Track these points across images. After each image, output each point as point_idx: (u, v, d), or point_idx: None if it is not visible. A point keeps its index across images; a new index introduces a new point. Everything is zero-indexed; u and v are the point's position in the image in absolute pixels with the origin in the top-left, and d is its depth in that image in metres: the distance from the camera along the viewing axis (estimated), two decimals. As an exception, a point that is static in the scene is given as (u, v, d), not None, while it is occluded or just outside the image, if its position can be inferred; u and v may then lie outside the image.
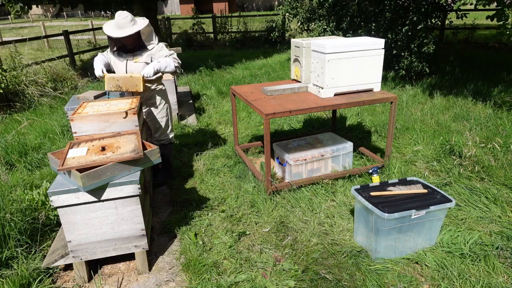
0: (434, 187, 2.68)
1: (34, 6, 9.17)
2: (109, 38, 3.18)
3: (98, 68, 3.16)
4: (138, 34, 3.16)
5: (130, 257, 2.61)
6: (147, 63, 3.28)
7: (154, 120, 3.55)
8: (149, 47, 3.29)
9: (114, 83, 3.14)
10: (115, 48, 3.31)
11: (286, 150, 3.66)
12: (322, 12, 7.94)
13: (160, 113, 3.54)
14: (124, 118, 2.91)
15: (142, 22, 3.19)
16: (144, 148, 2.56)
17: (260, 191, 3.36)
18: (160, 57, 3.30)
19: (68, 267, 2.57)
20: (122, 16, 3.09)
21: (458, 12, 7.37)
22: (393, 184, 2.76)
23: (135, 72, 3.25)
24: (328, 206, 3.22)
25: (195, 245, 2.76)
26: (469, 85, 6.43)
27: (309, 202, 3.23)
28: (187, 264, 2.57)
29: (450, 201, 2.50)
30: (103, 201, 2.30)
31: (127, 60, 3.28)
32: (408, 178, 2.84)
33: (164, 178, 3.72)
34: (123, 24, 3.08)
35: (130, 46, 3.25)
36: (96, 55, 3.35)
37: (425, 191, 2.62)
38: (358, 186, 2.71)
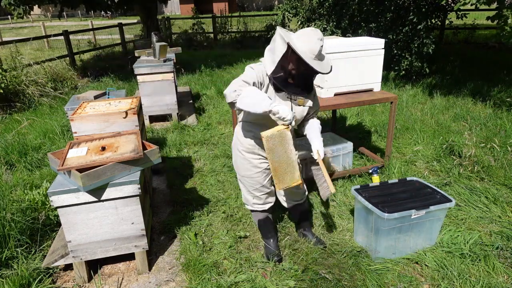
0: (434, 187, 2.68)
1: (34, 6, 9.17)
2: (295, 65, 2.10)
3: (288, 113, 2.00)
4: None
5: (130, 257, 2.60)
6: (310, 108, 2.38)
7: None
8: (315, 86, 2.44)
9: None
10: (283, 75, 2.14)
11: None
12: (322, 11, 7.94)
13: None
14: (124, 118, 2.92)
15: (329, 58, 2.23)
16: (144, 148, 2.56)
17: (260, 191, 3.35)
18: (316, 113, 2.45)
19: (68, 267, 2.57)
20: (322, 42, 2.08)
21: (458, 12, 7.36)
22: (393, 185, 2.76)
23: (298, 120, 2.34)
24: (328, 206, 3.22)
25: (195, 245, 2.76)
26: (469, 85, 6.43)
27: (309, 202, 3.23)
28: (187, 264, 2.57)
29: (450, 201, 2.50)
30: (103, 201, 2.30)
31: (291, 99, 2.26)
32: (408, 178, 2.84)
33: None
34: (321, 53, 2.12)
35: (306, 83, 2.24)
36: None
37: None
38: (358, 186, 2.71)
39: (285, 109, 1.96)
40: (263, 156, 2.39)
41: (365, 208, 2.52)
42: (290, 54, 2.05)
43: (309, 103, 2.32)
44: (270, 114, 1.97)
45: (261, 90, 2.18)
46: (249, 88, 2.03)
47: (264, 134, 2.07)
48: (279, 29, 2.11)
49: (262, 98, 1.95)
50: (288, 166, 2.16)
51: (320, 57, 2.10)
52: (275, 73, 2.12)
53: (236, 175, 3.81)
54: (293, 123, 2.02)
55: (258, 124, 2.29)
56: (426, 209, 2.43)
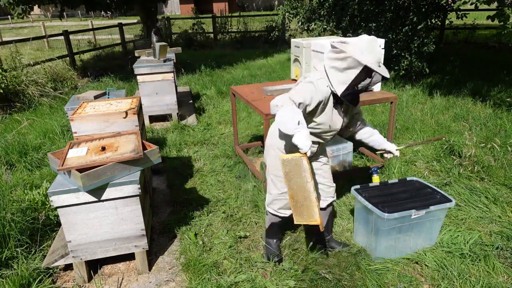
0: (434, 187, 2.68)
1: (34, 6, 9.18)
2: (366, 80, 2.11)
3: (304, 145, 1.93)
4: None
5: (130, 257, 2.60)
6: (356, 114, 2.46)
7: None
8: None
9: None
10: (350, 93, 2.15)
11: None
12: (322, 12, 7.94)
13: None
14: (124, 118, 2.92)
15: None
16: (144, 148, 2.56)
17: (260, 191, 3.36)
18: (360, 113, 2.53)
19: (68, 267, 2.57)
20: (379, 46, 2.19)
21: (458, 12, 7.37)
22: (393, 185, 2.76)
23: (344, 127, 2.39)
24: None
25: (195, 245, 2.76)
26: (469, 85, 6.43)
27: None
28: (187, 264, 2.57)
29: (450, 201, 2.50)
30: (103, 201, 2.30)
31: (343, 113, 2.29)
32: (408, 178, 2.84)
33: None
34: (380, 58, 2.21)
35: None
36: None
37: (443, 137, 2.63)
38: (358, 186, 2.71)
39: (302, 140, 1.91)
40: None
41: (365, 208, 2.52)
42: (366, 72, 2.07)
43: (356, 109, 2.42)
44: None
45: (323, 105, 2.16)
46: (289, 108, 1.97)
47: (282, 156, 2.06)
48: (340, 45, 2.09)
49: (292, 122, 1.92)
50: (305, 200, 2.06)
51: (381, 62, 2.15)
52: (345, 91, 2.11)
53: (235, 175, 3.81)
54: (308, 153, 1.96)
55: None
56: (426, 209, 2.43)
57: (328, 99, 2.17)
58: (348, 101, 2.18)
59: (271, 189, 2.45)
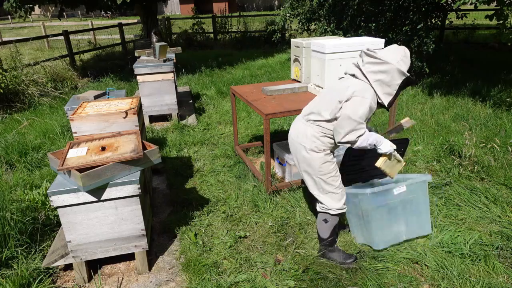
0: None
1: (35, 7, 9.19)
2: (402, 89, 2.31)
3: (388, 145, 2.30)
4: None
5: (130, 257, 2.61)
6: None
7: None
8: None
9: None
10: (391, 100, 2.31)
11: (286, 150, 3.65)
12: (322, 12, 7.94)
13: None
14: (124, 118, 2.92)
15: None
16: (144, 148, 2.56)
17: (260, 191, 3.36)
18: None
19: (68, 267, 2.57)
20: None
21: (458, 12, 7.37)
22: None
23: None
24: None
25: (195, 245, 2.76)
26: (469, 85, 6.43)
27: (309, 202, 3.23)
28: (187, 264, 2.57)
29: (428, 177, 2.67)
30: (103, 201, 2.30)
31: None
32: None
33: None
34: None
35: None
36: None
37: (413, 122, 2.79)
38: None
39: (387, 147, 2.28)
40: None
41: (351, 195, 2.61)
42: (406, 81, 2.25)
43: None
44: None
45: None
46: (369, 134, 2.24)
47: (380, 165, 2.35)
48: (381, 55, 2.22)
49: (385, 141, 2.28)
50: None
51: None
52: (390, 100, 2.29)
53: (235, 175, 3.81)
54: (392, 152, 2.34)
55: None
56: (405, 182, 2.55)
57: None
58: (389, 106, 2.32)
59: (326, 187, 2.41)
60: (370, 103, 2.20)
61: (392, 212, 2.57)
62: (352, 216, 2.74)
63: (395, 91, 2.24)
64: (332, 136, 2.35)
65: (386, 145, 2.25)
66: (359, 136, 2.20)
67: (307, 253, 2.64)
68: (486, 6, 5.19)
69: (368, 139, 2.22)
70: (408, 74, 2.20)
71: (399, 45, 2.34)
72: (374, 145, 2.24)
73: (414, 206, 2.64)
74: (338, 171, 2.46)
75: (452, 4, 7.40)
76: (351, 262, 2.52)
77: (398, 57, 2.20)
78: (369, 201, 2.50)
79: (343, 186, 2.48)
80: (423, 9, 6.66)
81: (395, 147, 2.30)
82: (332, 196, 2.43)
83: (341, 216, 2.54)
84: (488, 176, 3.50)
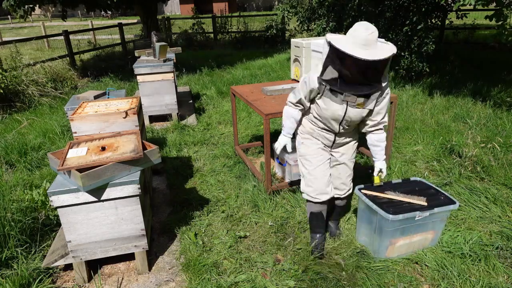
0: (437, 188, 2.67)
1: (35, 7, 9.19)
2: (341, 62, 2.09)
3: (277, 145, 2.64)
4: (387, 61, 2.07)
5: (130, 257, 2.61)
6: (371, 111, 2.30)
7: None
8: (383, 85, 2.20)
9: None
10: (336, 76, 2.15)
11: (286, 150, 3.65)
12: (322, 11, 7.94)
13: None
14: (124, 118, 2.92)
15: (391, 45, 2.09)
16: (144, 148, 2.56)
17: (260, 191, 3.36)
18: (381, 114, 2.34)
19: (68, 267, 2.57)
20: (370, 30, 1.97)
21: (458, 12, 7.37)
22: (397, 185, 2.74)
23: (354, 121, 2.33)
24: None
25: (195, 245, 2.76)
26: (469, 85, 6.43)
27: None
28: (187, 264, 2.57)
29: (454, 202, 2.49)
30: (103, 201, 2.30)
31: (347, 102, 2.20)
32: (412, 178, 2.82)
33: None
34: (372, 41, 1.97)
35: (369, 78, 2.11)
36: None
37: (425, 203, 2.51)
38: (362, 186, 2.70)
39: (278, 141, 2.62)
40: (322, 143, 2.52)
41: (369, 208, 2.51)
42: (333, 50, 2.06)
43: (370, 105, 2.22)
44: None
45: (319, 95, 2.30)
46: (287, 109, 2.51)
47: None
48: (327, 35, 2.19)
49: (282, 137, 2.61)
50: None
51: (369, 45, 1.96)
52: (326, 75, 2.17)
53: (235, 175, 3.81)
54: (277, 151, 2.66)
55: (320, 120, 2.43)
56: (430, 210, 2.42)
57: (324, 88, 2.23)
58: (332, 85, 2.17)
59: (301, 169, 2.61)
60: (306, 82, 2.30)
61: (406, 232, 2.48)
62: (363, 222, 2.66)
63: (323, 62, 2.17)
64: (309, 119, 2.50)
65: (279, 140, 2.61)
66: (287, 103, 2.50)
67: (307, 253, 2.63)
68: (485, 7, 5.19)
69: (285, 114, 2.52)
70: (330, 40, 2.02)
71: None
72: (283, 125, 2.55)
73: (430, 229, 2.55)
74: (319, 158, 2.50)
75: (452, 4, 7.41)
76: (313, 255, 2.58)
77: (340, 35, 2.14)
78: (388, 224, 2.39)
79: (320, 176, 2.48)
80: (423, 9, 6.66)
81: (279, 146, 2.61)
82: (303, 179, 2.59)
83: (320, 207, 2.56)
84: (488, 176, 3.50)
